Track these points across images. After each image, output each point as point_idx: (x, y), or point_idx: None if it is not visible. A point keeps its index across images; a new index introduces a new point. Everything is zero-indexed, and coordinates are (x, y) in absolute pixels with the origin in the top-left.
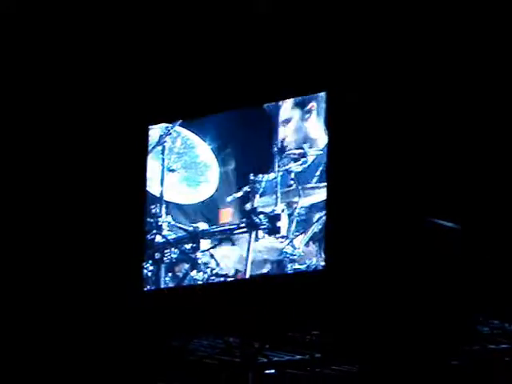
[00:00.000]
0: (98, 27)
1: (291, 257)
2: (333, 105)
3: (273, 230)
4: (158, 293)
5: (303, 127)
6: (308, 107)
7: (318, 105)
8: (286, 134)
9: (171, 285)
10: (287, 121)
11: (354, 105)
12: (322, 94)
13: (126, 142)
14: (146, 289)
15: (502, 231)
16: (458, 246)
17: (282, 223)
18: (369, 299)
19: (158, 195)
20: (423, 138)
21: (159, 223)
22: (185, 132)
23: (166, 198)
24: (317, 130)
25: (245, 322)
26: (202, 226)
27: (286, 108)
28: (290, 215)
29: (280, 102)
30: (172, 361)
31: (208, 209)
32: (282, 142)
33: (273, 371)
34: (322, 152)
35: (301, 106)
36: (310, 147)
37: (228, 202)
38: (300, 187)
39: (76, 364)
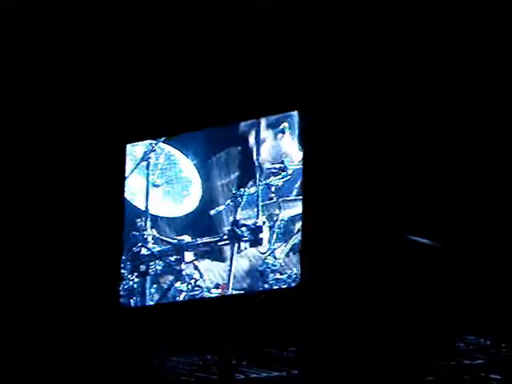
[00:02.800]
0: (76, 42)
1: (272, 267)
2: (305, 122)
3: (255, 242)
4: (134, 310)
5: (278, 145)
6: (280, 127)
7: (290, 123)
8: (262, 153)
9: (156, 296)
10: (261, 142)
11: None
12: (294, 113)
13: (103, 159)
14: (130, 301)
15: (479, 249)
16: (434, 262)
17: (264, 235)
18: (345, 315)
19: (144, 209)
20: (399, 152)
21: (144, 236)
22: (168, 148)
23: (151, 211)
24: (291, 146)
25: (222, 338)
26: (186, 238)
27: (260, 129)
28: (271, 227)
29: (253, 123)
30: (149, 379)
31: (191, 222)
32: (259, 160)
33: None
34: (300, 166)
35: (273, 126)
36: (289, 162)
37: (211, 215)
38: (280, 200)
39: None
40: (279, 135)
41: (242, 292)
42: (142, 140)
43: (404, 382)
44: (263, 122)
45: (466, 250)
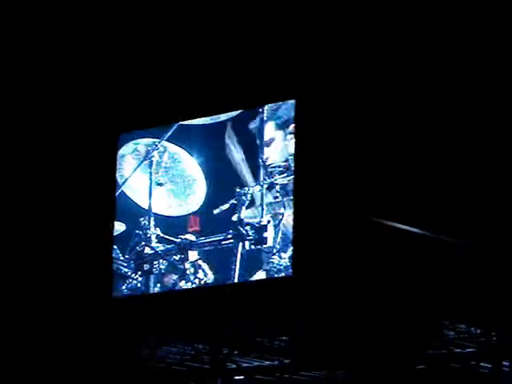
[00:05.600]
0: (69, 36)
1: (278, 266)
2: (301, 114)
3: (259, 241)
4: (127, 300)
5: (286, 146)
6: (290, 128)
7: None
8: (270, 153)
9: None
10: (271, 141)
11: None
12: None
13: (96, 150)
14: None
15: (468, 237)
16: (424, 253)
17: (269, 234)
18: (336, 306)
19: (147, 208)
20: (387, 146)
21: (148, 235)
22: (171, 147)
23: (155, 210)
24: None
25: (214, 328)
26: (190, 237)
27: (269, 130)
28: (275, 226)
29: (263, 123)
30: (141, 368)
31: (194, 221)
32: (266, 159)
33: (242, 377)
34: None
35: (283, 127)
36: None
37: (215, 215)
38: (285, 199)
39: (43, 370)
40: (288, 136)
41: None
42: (137, 129)
43: (395, 371)
44: (271, 123)
45: (457, 240)
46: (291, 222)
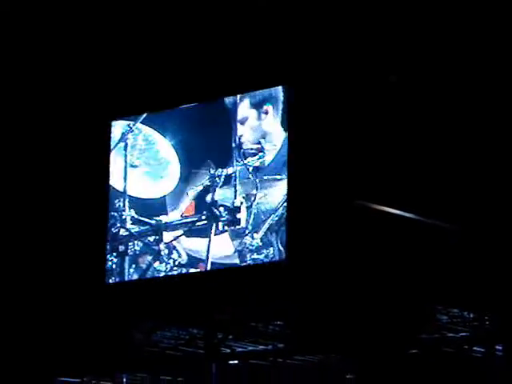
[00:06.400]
0: (59, 24)
1: (250, 247)
2: (291, 99)
3: (233, 222)
4: (121, 285)
5: (260, 126)
6: (264, 109)
7: (274, 106)
8: (244, 131)
9: (135, 276)
10: (244, 119)
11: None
12: (279, 96)
13: (88, 137)
14: (109, 281)
15: (460, 221)
16: (416, 236)
17: (241, 215)
18: (329, 290)
19: (122, 190)
20: (380, 132)
21: (123, 217)
22: (146, 129)
23: (130, 192)
24: (273, 128)
25: (208, 312)
26: (165, 219)
27: (243, 107)
28: (248, 207)
29: (238, 101)
30: (135, 352)
31: (170, 202)
32: (239, 138)
33: (236, 362)
34: (278, 147)
35: (257, 106)
36: (267, 143)
37: (189, 196)
38: (257, 180)
39: (38, 354)
40: (263, 115)
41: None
42: (127, 116)
43: (388, 355)
44: (246, 101)
45: (449, 225)
46: (263, 204)
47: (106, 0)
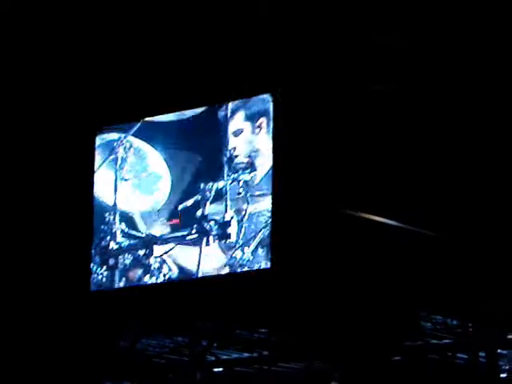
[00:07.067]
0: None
1: (240, 261)
2: (279, 108)
3: (223, 236)
4: (106, 293)
5: (253, 139)
6: (258, 122)
7: (267, 121)
8: (237, 144)
9: None
10: (239, 132)
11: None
12: (270, 112)
13: (74, 147)
14: (94, 289)
15: (444, 228)
16: (400, 242)
17: (232, 229)
18: (314, 297)
19: (112, 204)
20: (366, 141)
21: (113, 230)
22: (137, 142)
23: (120, 206)
24: (265, 143)
25: (193, 320)
26: (155, 232)
27: (238, 120)
28: (239, 222)
29: (231, 113)
30: (120, 360)
31: (160, 216)
32: (232, 151)
33: (221, 369)
34: (269, 162)
35: (251, 119)
36: (258, 158)
37: (179, 210)
38: (248, 195)
39: (23, 363)
40: (257, 129)
41: (213, 275)
42: (113, 125)
43: (372, 362)
44: (241, 113)
45: (434, 232)
46: (254, 218)
47: (98, 8)
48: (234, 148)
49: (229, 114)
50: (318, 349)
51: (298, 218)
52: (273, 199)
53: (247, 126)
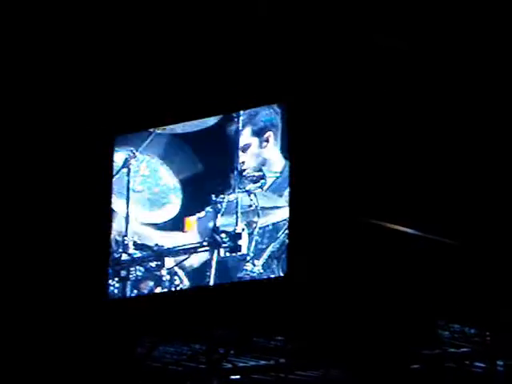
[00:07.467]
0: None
1: (251, 274)
2: (291, 118)
3: (234, 249)
4: (123, 300)
5: (261, 153)
6: (265, 136)
7: (274, 133)
8: (246, 159)
9: None
10: (246, 147)
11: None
12: (278, 123)
13: (92, 157)
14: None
15: (462, 236)
16: (418, 251)
17: (243, 242)
18: (331, 305)
19: (124, 215)
20: (381, 150)
21: (125, 242)
22: (148, 155)
23: (132, 217)
24: (274, 155)
25: (210, 328)
26: (166, 244)
27: (245, 135)
28: (250, 234)
29: (239, 129)
30: (137, 367)
31: (172, 228)
32: (241, 165)
33: (238, 377)
34: (279, 174)
35: (258, 134)
36: (268, 170)
37: (191, 222)
38: (259, 207)
39: (40, 372)
40: (264, 143)
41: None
42: (131, 132)
43: (390, 370)
44: (248, 129)
45: (452, 240)
46: (265, 231)
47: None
48: (243, 162)
49: (240, 127)
50: (335, 357)
51: (314, 225)
52: (290, 208)
53: (254, 140)
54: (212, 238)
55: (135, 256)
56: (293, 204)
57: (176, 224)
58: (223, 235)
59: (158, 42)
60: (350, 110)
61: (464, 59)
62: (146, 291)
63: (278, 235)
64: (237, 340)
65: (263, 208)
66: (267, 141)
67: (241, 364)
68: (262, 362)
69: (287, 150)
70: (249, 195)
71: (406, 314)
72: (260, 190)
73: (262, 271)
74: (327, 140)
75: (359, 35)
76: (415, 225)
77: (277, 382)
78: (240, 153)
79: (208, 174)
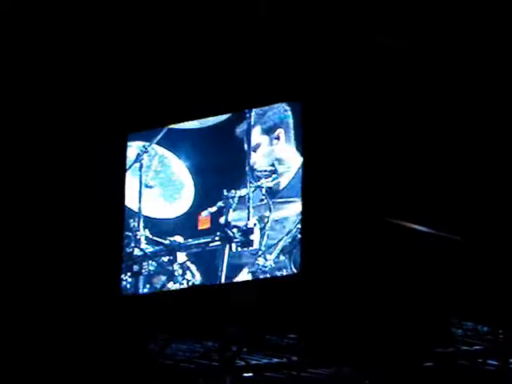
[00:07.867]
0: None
1: (263, 268)
2: (307, 116)
3: (246, 243)
4: (136, 298)
5: (272, 151)
6: (276, 133)
7: (285, 130)
8: (256, 158)
9: None
10: (257, 146)
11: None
12: (289, 120)
13: (105, 155)
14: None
15: (475, 234)
16: (431, 249)
17: (255, 236)
18: (344, 304)
19: (136, 210)
20: (393, 148)
21: (137, 237)
22: (161, 150)
23: (144, 212)
24: (287, 152)
25: (223, 325)
26: (179, 239)
27: (255, 135)
28: (261, 229)
29: (249, 128)
30: (150, 365)
31: (184, 223)
32: (253, 164)
33: (250, 374)
34: (290, 169)
35: (268, 132)
36: (281, 165)
37: (203, 217)
38: (271, 202)
39: (54, 368)
40: (274, 141)
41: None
42: (143, 129)
43: (402, 368)
44: (257, 128)
45: (464, 238)
46: (277, 226)
47: (125, 19)
48: (255, 162)
49: (252, 122)
50: (348, 355)
51: (327, 223)
52: (303, 204)
53: (264, 139)
54: (224, 233)
55: (147, 251)
56: (305, 198)
57: (189, 219)
58: (235, 230)
59: (171, 41)
60: (364, 109)
61: (465, 57)
62: (158, 286)
63: (290, 229)
64: (249, 338)
65: (275, 202)
66: (278, 138)
67: (253, 362)
68: (275, 360)
69: (302, 147)
70: (260, 190)
71: (420, 312)
72: (272, 184)
73: (273, 265)
74: (342, 137)
75: (371, 37)
76: (429, 223)
77: (289, 379)
78: (251, 152)
79: (219, 169)
